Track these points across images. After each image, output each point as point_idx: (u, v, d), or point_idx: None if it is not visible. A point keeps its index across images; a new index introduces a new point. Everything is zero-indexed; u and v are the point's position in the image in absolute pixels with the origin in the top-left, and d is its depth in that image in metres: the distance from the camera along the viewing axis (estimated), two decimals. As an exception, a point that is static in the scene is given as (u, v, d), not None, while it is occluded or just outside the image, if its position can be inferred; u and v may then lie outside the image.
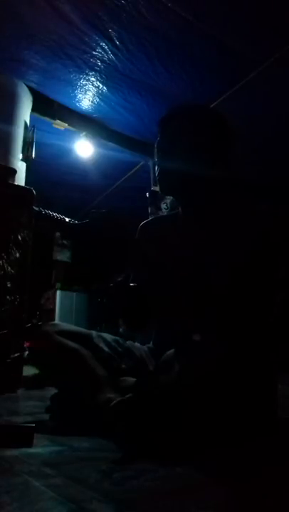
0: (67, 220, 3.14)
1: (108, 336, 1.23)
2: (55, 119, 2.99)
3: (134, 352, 1.22)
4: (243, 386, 0.93)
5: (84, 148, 3.39)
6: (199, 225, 1.18)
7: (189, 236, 1.18)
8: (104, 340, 1.20)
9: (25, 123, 2.67)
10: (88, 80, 2.75)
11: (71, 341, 1.13)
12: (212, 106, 2.67)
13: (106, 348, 1.17)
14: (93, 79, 2.73)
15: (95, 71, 2.66)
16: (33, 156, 2.64)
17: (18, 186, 2.37)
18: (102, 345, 1.17)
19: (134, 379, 1.07)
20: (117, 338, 1.25)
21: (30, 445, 0.84)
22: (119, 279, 1.09)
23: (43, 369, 1.27)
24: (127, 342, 1.26)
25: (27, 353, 2.06)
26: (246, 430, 0.90)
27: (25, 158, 2.61)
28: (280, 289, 1.09)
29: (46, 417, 1.15)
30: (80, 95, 2.90)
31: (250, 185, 2.97)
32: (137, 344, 1.27)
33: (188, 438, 0.83)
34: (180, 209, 1.25)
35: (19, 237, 2.14)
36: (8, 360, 1.98)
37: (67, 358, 1.12)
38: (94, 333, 1.21)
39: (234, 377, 0.91)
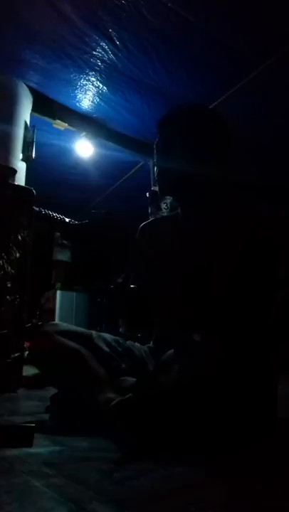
0: (67, 220, 3.14)
1: (108, 336, 1.23)
2: (55, 119, 2.99)
3: (134, 352, 1.22)
4: (243, 386, 0.93)
5: (84, 148, 3.39)
6: (199, 226, 1.18)
7: (189, 236, 1.18)
8: (105, 340, 1.20)
9: (26, 123, 2.68)
10: (88, 80, 2.75)
11: (71, 341, 1.13)
12: (212, 106, 2.67)
13: (106, 348, 1.17)
14: (93, 79, 2.73)
15: (95, 71, 2.66)
16: (33, 156, 2.65)
17: (18, 186, 2.37)
18: (102, 345, 1.17)
19: (134, 379, 1.07)
20: (117, 338, 1.25)
21: (30, 445, 0.84)
22: (120, 280, 1.09)
23: (43, 369, 1.27)
24: (127, 342, 1.26)
25: (27, 353, 2.06)
26: (246, 430, 0.90)
27: (25, 158, 2.61)
28: (280, 289, 1.09)
29: (46, 417, 1.15)
30: (80, 95, 2.90)
31: (250, 185, 2.98)
32: (137, 344, 1.27)
33: (188, 438, 0.83)
34: (180, 209, 1.25)
35: (19, 237, 2.14)
36: (8, 360, 1.98)
37: (68, 358, 1.12)
38: (94, 333, 1.21)
39: (234, 378, 0.91)
